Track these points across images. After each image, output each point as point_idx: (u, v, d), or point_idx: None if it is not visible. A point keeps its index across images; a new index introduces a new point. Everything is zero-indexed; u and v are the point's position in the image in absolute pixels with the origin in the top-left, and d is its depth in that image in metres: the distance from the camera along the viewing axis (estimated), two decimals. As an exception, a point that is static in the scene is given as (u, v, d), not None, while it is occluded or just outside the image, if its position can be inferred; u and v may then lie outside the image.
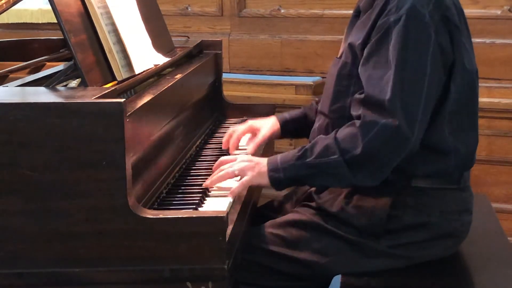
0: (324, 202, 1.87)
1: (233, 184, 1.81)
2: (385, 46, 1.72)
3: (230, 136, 2.15)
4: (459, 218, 1.85)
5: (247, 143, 2.15)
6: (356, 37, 1.83)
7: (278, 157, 1.80)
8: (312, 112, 2.15)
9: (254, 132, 2.18)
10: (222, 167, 1.84)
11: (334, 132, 1.76)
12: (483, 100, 2.91)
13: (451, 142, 1.78)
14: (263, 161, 1.81)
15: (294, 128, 2.19)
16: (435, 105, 1.75)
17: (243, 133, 2.17)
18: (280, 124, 2.18)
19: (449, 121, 1.77)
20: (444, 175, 1.81)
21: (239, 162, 1.83)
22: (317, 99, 2.22)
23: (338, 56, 1.94)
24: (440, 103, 1.76)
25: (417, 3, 1.71)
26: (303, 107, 2.25)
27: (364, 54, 1.77)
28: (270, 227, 1.87)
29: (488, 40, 3.02)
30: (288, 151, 1.82)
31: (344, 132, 1.73)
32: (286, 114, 2.21)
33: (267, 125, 2.16)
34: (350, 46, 1.85)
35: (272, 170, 1.78)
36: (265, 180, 1.79)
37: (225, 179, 1.82)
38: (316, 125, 1.97)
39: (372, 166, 1.71)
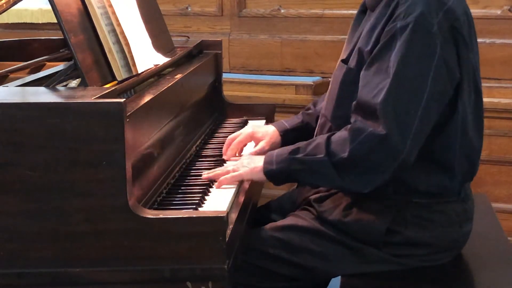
0: (323, 211, 1.84)
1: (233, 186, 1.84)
2: (388, 53, 1.68)
3: (230, 144, 2.09)
4: (460, 229, 1.83)
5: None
6: (365, 42, 1.77)
7: (275, 150, 1.83)
8: (313, 119, 2.12)
9: (254, 140, 2.13)
10: (228, 167, 1.87)
11: (331, 133, 1.76)
12: (483, 100, 2.92)
13: (458, 158, 1.75)
14: (261, 158, 1.82)
15: (294, 137, 2.11)
16: (443, 119, 1.72)
17: (244, 142, 2.12)
18: (280, 135, 2.13)
19: (458, 136, 1.73)
20: (446, 191, 1.78)
21: (239, 162, 1.86)
22: (312, 102, 2.20)
23: (344, 57, 1.88)
24: (449, 117, 1.72)
25: (426, 11, 1.65)
26: (302, 113, 2.19)
27: (368, 59, 1.73)
28: (270, 230, 1.86)
29: (488, 40, 3.01)
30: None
31: (337, 134, 1.73)
32: (286, 124, 2.16)
33: (267, 136, 2.11)
34: (359, 51, 1.79)
35: (267, 162, 1.79)
36: (258, 176, 1.80)
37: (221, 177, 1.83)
38: (318, 124, 1.97)
39: (360, 172, 1.68)
